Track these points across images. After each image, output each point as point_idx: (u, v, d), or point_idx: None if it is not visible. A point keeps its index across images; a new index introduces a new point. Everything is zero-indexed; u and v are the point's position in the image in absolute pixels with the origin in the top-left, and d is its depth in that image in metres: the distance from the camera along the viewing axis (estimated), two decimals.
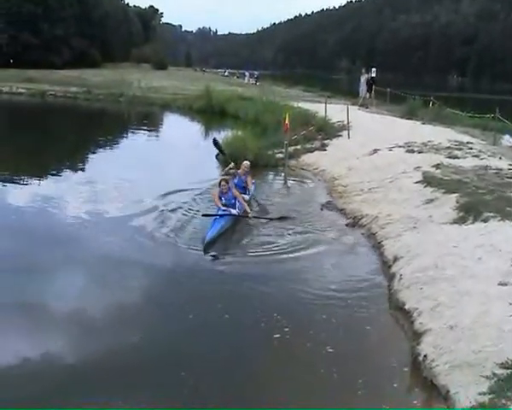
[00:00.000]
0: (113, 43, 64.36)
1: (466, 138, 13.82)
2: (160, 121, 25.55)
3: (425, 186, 8.69)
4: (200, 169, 12.11)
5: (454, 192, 8.00)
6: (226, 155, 11.11)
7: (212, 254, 6.90)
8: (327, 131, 15.57)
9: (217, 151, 11.98)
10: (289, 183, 11.21)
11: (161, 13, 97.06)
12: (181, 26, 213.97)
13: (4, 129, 20.46)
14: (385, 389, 4.20)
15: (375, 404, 4.01)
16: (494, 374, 3.80)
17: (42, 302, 5.49)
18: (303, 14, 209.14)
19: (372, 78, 22.25)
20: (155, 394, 4.08)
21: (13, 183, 10.78)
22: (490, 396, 3.59)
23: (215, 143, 11.32)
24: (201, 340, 4.91)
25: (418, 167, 9.93)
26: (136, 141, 18.22)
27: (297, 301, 5.70)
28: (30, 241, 7.30)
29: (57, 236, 7.57)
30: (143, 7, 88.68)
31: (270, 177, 12.14)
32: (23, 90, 31.13)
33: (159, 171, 12.05)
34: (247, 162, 9.68)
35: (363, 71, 23.11)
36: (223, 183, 8.33)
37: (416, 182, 9.05)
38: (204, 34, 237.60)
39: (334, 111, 17.63)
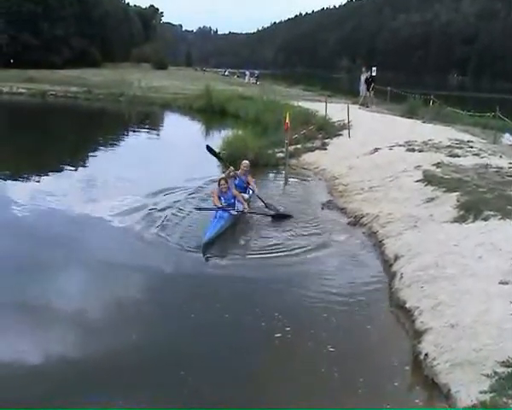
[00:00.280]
0: (114, 42, 64.35)
1: (466, 137, 13.80)
2: (160, 121, 25.52)
3: (425, 185, 8.67)
4: (201, 168, 12.09)
5: (454, 191, 7.99)
6: (223, 160, 10.62)
7: (212, 254, 6.88)
8: (327, 130, 15.57)
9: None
10: (290, 182, 11.20)
11: (161, 12, 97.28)
12: (181, 26, 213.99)
13: (5, 129, 20.44)
14: (386, 388, 4.19)
15: (376, 403, 4.00)
16: (495, 372, 3.80)
17: (42, 302, 5.48)
18: (303, 14, 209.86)
19: (372, 76, 22.23)
20: (155, 394, 4.08)
21: (13, 182, 10.78)
22: (491, 395, 3.58)
23: (209, 150, 10.45)
24: (201, 340, 4.90)
25: (419, 166, 9.91)
26: (136, 140, 18.21)
27: (297, 300, 5.68)
28: (30, 241, 7.27)
29: (58, 235, 7.56)
30: (144, 6, 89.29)
31: (271, 176, 12.12)
32: (23, 91, 31.08)
33: (160, 170, 12.01)
34: (245, 161, 9.57)
35: (364, 70, 23.06)
36: (222, 182, 8.28)
37: (417, 181, 9.03)
38: (204, 34, 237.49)
39: (335, 110, 17.60)
